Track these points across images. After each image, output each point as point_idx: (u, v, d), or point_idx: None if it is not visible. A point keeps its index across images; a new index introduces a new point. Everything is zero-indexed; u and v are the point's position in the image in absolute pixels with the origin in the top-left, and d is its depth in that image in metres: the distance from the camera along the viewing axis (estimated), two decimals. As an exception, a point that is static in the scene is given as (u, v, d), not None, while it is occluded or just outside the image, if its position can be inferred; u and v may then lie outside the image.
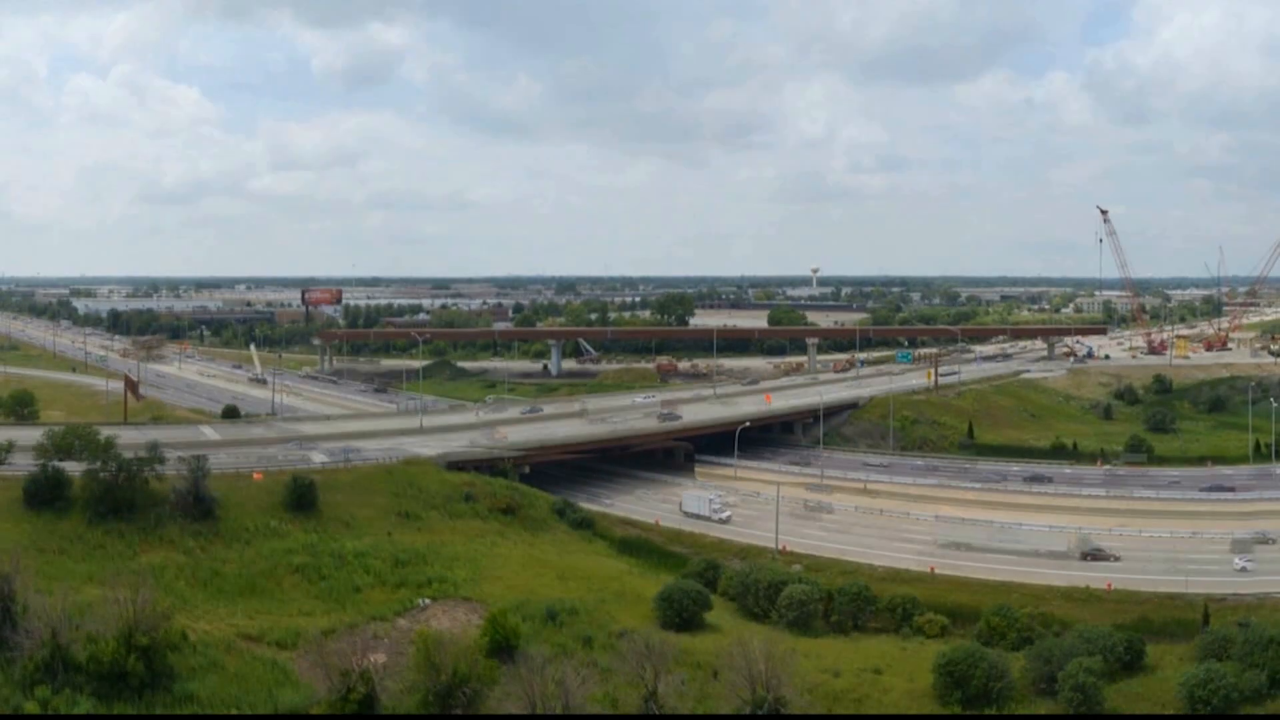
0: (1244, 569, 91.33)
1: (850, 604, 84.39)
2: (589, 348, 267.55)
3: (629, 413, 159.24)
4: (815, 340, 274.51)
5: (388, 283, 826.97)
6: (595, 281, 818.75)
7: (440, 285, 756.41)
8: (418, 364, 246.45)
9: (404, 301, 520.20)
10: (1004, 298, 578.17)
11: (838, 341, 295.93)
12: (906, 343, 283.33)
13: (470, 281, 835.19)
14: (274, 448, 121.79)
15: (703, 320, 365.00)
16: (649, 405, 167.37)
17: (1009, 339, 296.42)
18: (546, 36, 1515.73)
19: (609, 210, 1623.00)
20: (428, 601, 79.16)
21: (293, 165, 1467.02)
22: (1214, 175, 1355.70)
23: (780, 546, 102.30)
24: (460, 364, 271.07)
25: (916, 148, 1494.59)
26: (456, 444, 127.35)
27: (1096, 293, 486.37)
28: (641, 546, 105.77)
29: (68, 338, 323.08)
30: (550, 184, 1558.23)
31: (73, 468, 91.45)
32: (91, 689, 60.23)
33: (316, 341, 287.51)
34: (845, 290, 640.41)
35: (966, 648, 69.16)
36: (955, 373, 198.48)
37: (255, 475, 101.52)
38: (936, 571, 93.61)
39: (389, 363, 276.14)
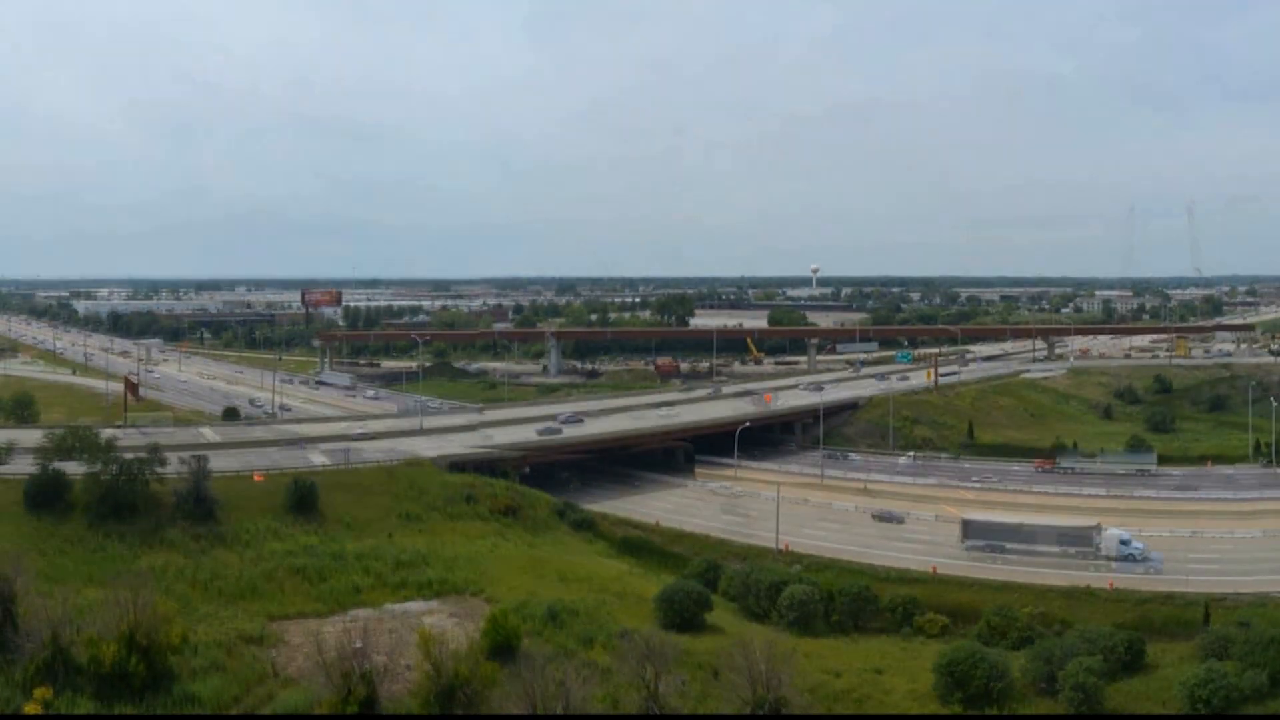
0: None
1: (851, 604, 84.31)
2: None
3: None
4: (815, 341, 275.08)
5: (388, 284, 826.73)
6: (595, 282, 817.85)
7: (440, 286, 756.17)
8: (418, 365, 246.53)
9: (404, 303, 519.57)
10: (1004, 298, 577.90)
11: (838, 341, 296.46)
12: (906, 343, 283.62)
13: (470, 282, 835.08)
14: (274, 449, 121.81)
15: (703, 321, 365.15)
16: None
17: (1009, 338, 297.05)
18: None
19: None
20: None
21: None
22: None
23: (781, 546, 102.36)
24: (460, 365, 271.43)
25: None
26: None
27: (1096, 292, 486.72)
28: (642, 547, 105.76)
29: (68, 339, 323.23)
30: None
31: (73, 469, 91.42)
32: (92, 691, 60.25)
33: (316, 343, 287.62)
34: (845, 290, 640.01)
35: (967, 647, 69.07)
36: (955, 373, 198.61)
37: (256, 476, 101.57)
38: (939, 571, 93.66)
39: (390, 364, 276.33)
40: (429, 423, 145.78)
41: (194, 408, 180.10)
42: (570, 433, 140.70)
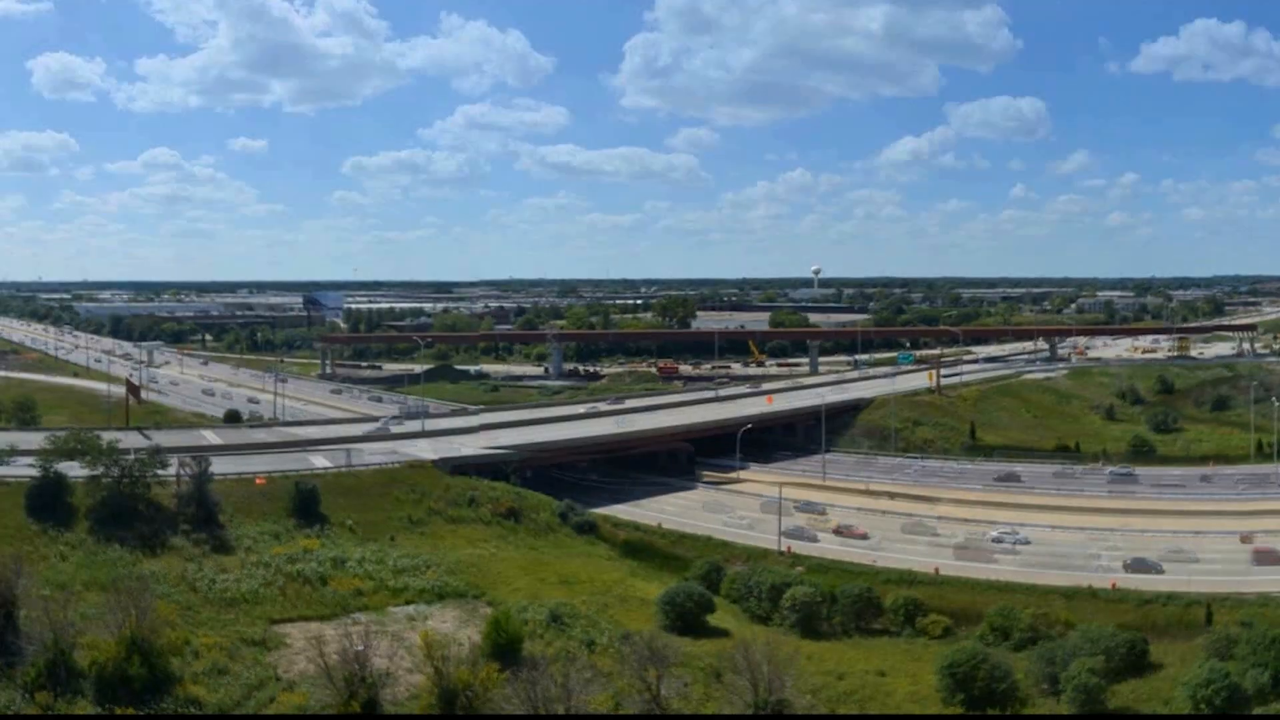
0: None
1: (853, 606, 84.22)
2: None
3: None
4: (817, 342, 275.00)
5: (389, 286, 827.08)
6: (597, 284, 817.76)
7: (442, 289, 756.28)
8: (419, 368, 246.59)
9: (406, 305, 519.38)
10: (1005, 298, 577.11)
11: (839, 342, 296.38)
12: (908, 344, 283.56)
13: (471, 285, 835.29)
14: (276, 452, 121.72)
15: (705, 323, 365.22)
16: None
17: (1011, 339, 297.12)
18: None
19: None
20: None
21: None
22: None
23: (784, 548, 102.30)
24: (461, 367, 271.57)
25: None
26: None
27: (1098, 293, 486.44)
28: (644, 549, 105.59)
29: (70, 341, 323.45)
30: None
31: (75, 473, 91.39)
32: (94, 694, 60.25)
33: (318, 345, 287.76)
34: (847, 292, 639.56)
35: (970, 649, 69.00)
36: (958, 374, 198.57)
37: (257, 480, 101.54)
38: (941, 573, 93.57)
39: (391, 366, 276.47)
40: (430, 425, 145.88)
41: (195, 410, 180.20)
42: (569, 435, 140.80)
